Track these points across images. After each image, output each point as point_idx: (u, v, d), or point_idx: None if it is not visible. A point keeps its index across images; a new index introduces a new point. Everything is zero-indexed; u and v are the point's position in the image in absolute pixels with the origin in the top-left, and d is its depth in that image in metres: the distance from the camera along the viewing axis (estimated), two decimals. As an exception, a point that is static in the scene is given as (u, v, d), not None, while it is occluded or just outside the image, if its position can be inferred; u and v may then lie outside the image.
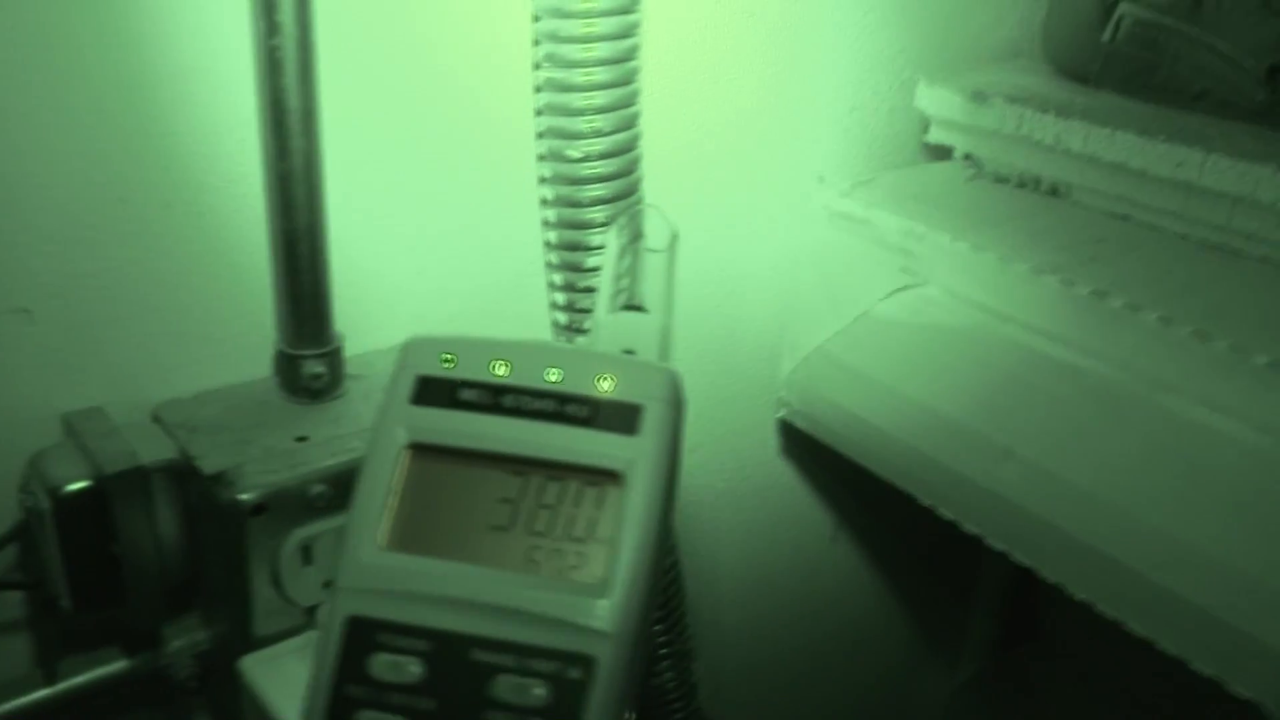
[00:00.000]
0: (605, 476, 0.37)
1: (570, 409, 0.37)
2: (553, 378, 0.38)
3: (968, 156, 0.96)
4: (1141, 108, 0.88)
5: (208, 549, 0.63)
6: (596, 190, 0.72)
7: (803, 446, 1.04)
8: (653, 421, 0.37)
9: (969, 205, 0.88)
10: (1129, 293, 0.72)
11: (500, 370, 0.38)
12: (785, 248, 0.94)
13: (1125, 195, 0.84)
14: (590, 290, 0.74)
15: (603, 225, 0.73)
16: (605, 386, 0.38)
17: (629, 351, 0.43)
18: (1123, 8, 0.89)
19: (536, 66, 0.71)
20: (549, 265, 0.76)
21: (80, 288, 0.63)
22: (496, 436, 0.37)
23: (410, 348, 0.39)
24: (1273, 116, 0.79)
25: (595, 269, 0.74)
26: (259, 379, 0.70)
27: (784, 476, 1.07)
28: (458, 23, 0.72)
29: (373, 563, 0.37)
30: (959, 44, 1.02)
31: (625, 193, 0.73)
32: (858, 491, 1.14)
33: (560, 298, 0.76)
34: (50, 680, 0.65)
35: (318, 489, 0.61)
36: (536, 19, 0.70)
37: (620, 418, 0.37)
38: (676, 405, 0.38)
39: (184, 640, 0.67)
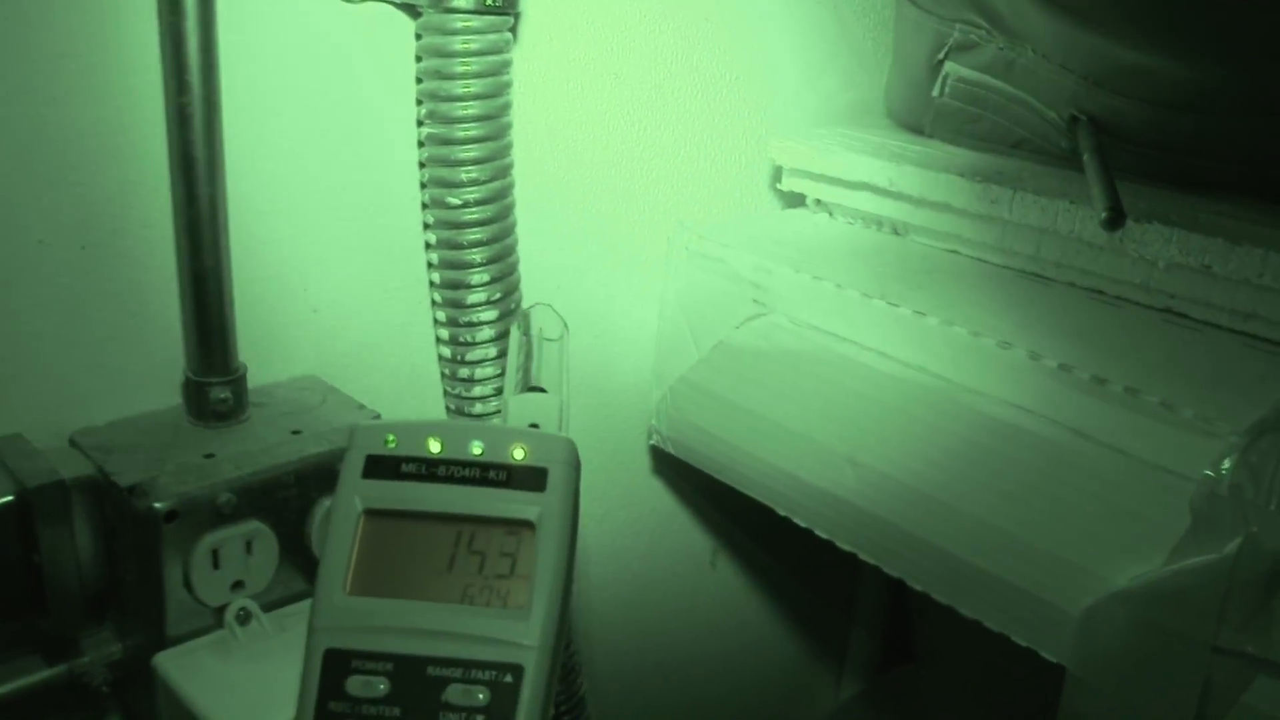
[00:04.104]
0: (522, 526, 0.45)
1: (492, 474, 0.46)
2: (476, 450, 0.46)
3: (818, 202, 1.06)
4: (967, 155, 0.98)
5: (125, 557, 0.69)
6: (475, 234, 0.80)
7: (680, 474, 1.12)
8: (557, 480, 0.46)
9: (815, 244, 0.97)
10: (945, 312, 0.81)
11: (434, 447, 0.46)
12: (652, 285, 1.02)
13: (952, 232, 0.94)
14: (472, 325, 0.82)
15: (482, 265, 0.81)
16: (518, 455, 0.46)
17: (534, 425, 0.52)
18: (948, 67, 1.00)
19: (419, 123, 0.80)
20: (434, 303, 0.84)
21: (2, 323, 0.69)
22: (434, 499, 0.46)
23: (358, 433, 0.47)
24: (1076, 160, 0.89)
25: (476, 305, 0.82)
26: (168, 408, 0.76)
27: (662, 503, 1.15)
28: (347, 80, 0.80)
29: (342, 605, 0.45)
30: (811, 103, 1.12)
31: (502, 235, 0.81)
32: (735, 516, 1.21)
33: (444, 333, 0.84)
34: (-26, 687, 0.70)
35: (225, 497, 0.68)
36: (420, 81, 0.78)
37: (531, 479, 0.46)
38: (575, 466, 0.47)
39: (99, 647, 0.72)
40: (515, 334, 0.57)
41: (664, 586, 1.20)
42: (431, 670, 0.43)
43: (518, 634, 0.44)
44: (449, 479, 0.46)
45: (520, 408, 0.53)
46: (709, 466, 0.96)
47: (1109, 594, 0.67)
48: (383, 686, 0.43)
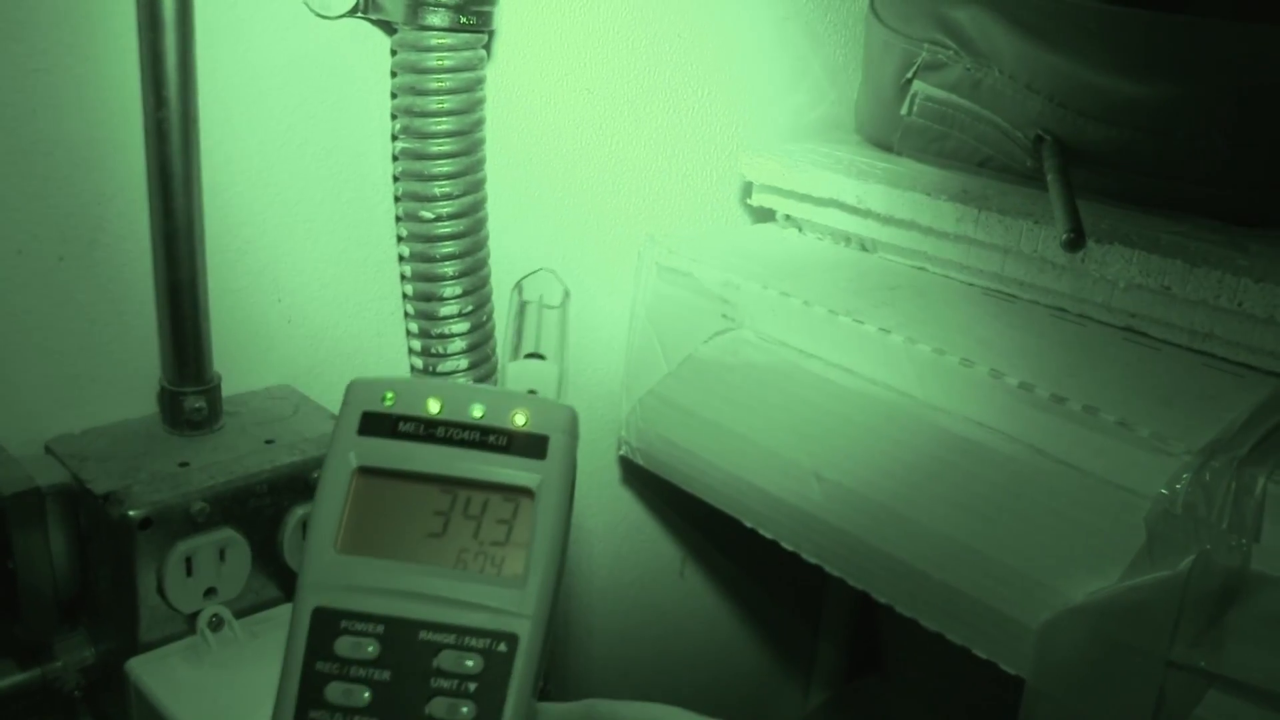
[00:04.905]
0: (520, 493, 0.44)
1: (491, 438, 0.44)
2: (477, 413, 0.45)
3: (788, 217, 1.07)
4: (934, 173, 0.99)
5: (98, 564, 0.70)
6: (448, 247, 0.81)
7: (649, 485, 1.13)
8: (557, 449, 0.44)
9: (784, 260, 0.98)
10: (910, 330, 0.83)
11: (434, 407, 0.45)
12: (623, 298, 1.03)
13: (919, 249, 0.96)
14: (444, 337, 0.83)
15: (454, 278, 0.82)
16: (519, 420, 0.45)
17: (531, 392, 0.50)
18: (916, 86, 1.01)
19: (394, 138, 0.81)
20: (406, 315, 0.85)
21: (-20, 333, 0.70)
22: (431, 460, 0.44)
23: (354, 388, 0.46)
24: (1041, 179, 0.90)
25: (448, 317, 0.82)
26: (143, 416, 0.77)
27: (632, 513, 1.16)
28: (323, 95, 0.81)
29: (332, 563, 0.43)
30: (781, 120, 1.13)
31: (474, 249, 0.83)
32: (703, 526, 1.22)
33: (417, 344, 0.85)
34: (-51, 690, 0.70)
35: (199, 506, 0.69)
36: (394, 96, 0.79)
37: (532, 445, 0.44)
38: (575, 435, 0.46)
39: (72, 652, 0.73)
40: (514, 298, 0.56)
41: (633, 595, 1.21)
42: (424, 635, 0.42)
43: (513, 603, 0.43)
44: (447, 441, 0.44)
45: (518, 374, 0.51)
46: (677, 478, 0.98)
47: (1067, 608, 0.69)
48: (372, 649, 0.42)
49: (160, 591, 0.69)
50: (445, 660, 0.42)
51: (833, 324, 0.86)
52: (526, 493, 0.44)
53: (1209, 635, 0.64)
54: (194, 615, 0.70)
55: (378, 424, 0.45)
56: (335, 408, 0.80)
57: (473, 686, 0.42)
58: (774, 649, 1.44)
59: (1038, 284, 0.89)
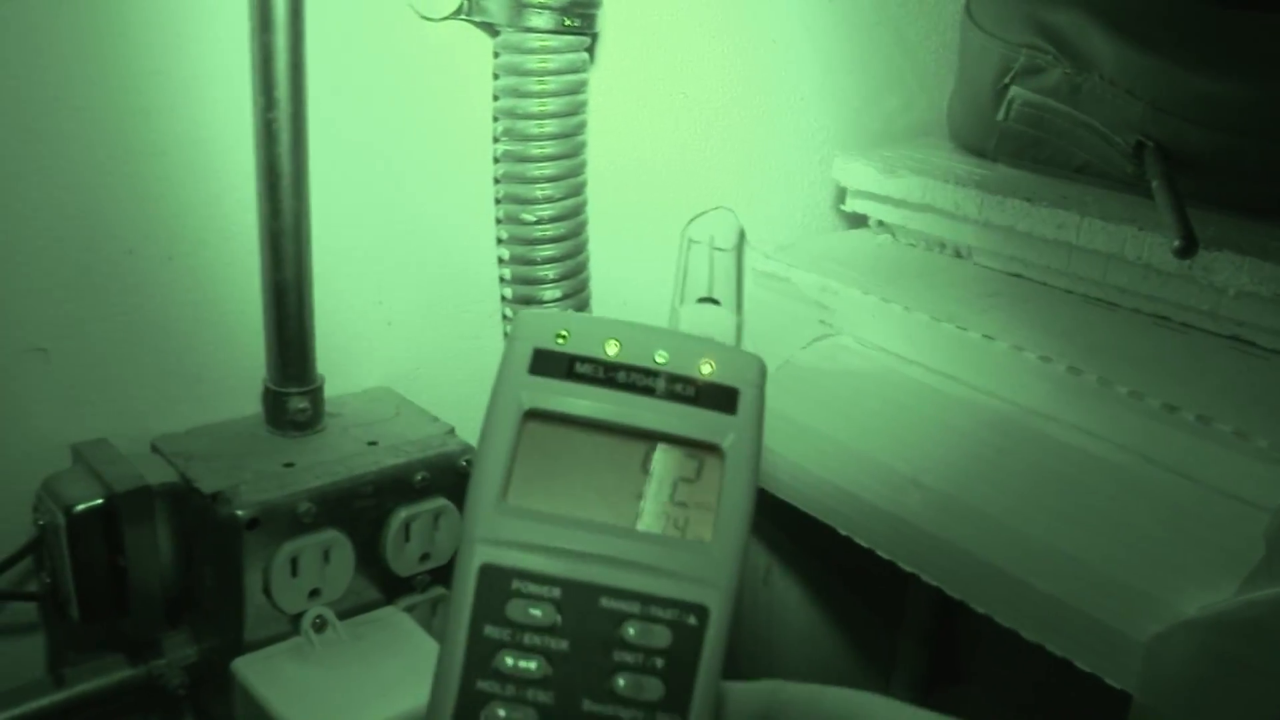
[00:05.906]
0: (706, 450, 0.40)
1: (676, 388, 0.40)
2: (660, 359, 0.40)
3: (880, 223, 1.06)
4: (1031, 178, 0.98)
5: (205, 562, 0.70)
6: (548, 250, 0.81)
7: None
8: (747, 403, 0.40)
9: (880, 265, 0.98)
10: (1014, 336, 0.82)
11: (612, 349, 0.40)
12: (717, 304, 1.03)
13: (1017, 255, 0.95)
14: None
15: (554, 281, 0.82)
16: (706, 370, 0.40)
17: None
18: (1013, 91, 1.00)
19: (496, 140, 0.81)
20: (505, 318, 0.85)
21: (91, 330, 0.71)
22: (610, 408, 0.40)
23: (523, 321, 0.41)
24: (1141, 185, 0.89)
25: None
26: (245, 416, 0.78)
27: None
28: (425, 96, 0.81)
29: (500, 516, 0.39)
30: (873, 125, 1.12)
31: (574, 252, 0.82)
32: (791, 533, 1.22)
33: (515, 347, 0.85)
34: (60, 685, 0.71)
35: (305, 506, 0.69)
36: (496, 98, 0.80)
37: (720, 398, 0.40)
38: (763, 390, 0.41)
39: (176, 651, 0.74)
40: (683, 239, 0.53)
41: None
42: (605, 602, 0.38)
43: (703, 570, 0.38)
44: (628, 387, 0.40)
45: (692, 320, 0.47)
46: (771, 485, 0.97)
47: (1178, 622, 0.67)
48: (544, 613, 0.38)
49: (266, 591, 0.69)
50: (630, 631, 0.38)
51: (935, 330, 0.85)
52: (714, 450, 0.40)
53: (1336, 653, 0.62)
54: (297, 616, 0.70)
55: (551, 363, 0.40)
56: (434, 410, 0.80)
57: (660, 662, 0.38)
58: (855, 656, 1.43)
59: (1141, 291, 0.87)
